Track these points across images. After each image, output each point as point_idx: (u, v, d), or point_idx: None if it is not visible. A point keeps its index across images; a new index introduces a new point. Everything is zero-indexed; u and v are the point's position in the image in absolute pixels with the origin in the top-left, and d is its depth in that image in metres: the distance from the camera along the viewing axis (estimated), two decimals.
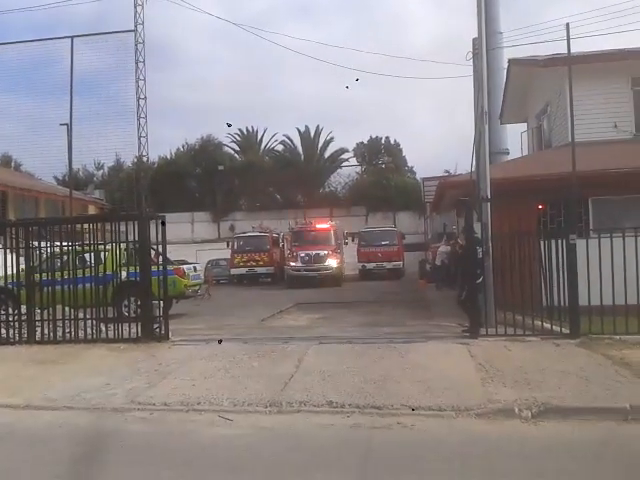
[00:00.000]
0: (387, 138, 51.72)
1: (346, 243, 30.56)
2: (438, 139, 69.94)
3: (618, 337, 9.23)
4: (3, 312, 11.57)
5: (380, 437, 5.71)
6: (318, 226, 29.70)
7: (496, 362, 8.10)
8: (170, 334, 10.86)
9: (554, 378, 7.20)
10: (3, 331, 11.20)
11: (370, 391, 6.93)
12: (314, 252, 26.70)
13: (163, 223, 10.79)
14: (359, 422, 6.07)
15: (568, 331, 9.67)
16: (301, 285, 25.11)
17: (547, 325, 10.00)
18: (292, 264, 27.07)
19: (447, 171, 38.45)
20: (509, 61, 18.35)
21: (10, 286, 11.88)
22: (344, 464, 5.03)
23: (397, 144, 51.92)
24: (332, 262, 26.72)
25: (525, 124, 21.26)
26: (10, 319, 11.36)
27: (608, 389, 6.69)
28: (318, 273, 26.29)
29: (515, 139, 22.21)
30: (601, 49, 15.54)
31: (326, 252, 26.87)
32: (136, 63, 27.61)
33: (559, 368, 7.69)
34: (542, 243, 10.37)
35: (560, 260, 9.89)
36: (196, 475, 4.93)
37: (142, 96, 27.88)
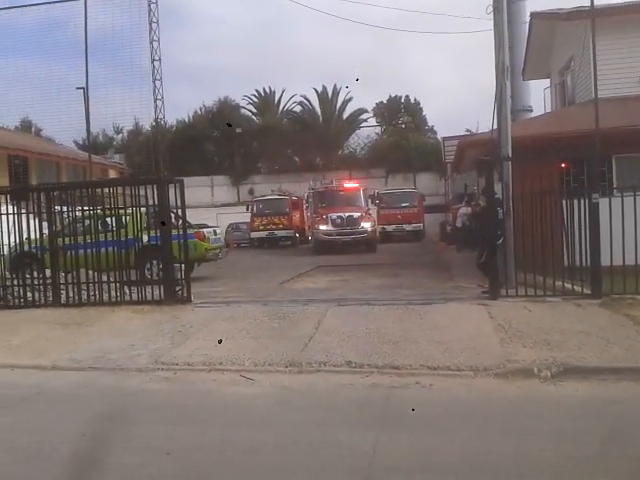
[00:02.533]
0: (407, 97, 51.06)
1: (375, 204, 28.55)
2: (459, 97, 68.76)
3: None
4: (28, 276, 11.79)
5: (398, 396, 5.77)
6: (347, 185, 27.35)
7: (515, 323, 8.09)
8: (192, 296, 11.01)
9: (574, 338, 7.18)
10: (29, 294, 11.44)
11: (389, 351, 7.00)
12: (347, 214, 24.05)
13: (182, 187, 10.83)
14: (378, 382, 6.15)
15: (590, 291, 9.59)
16: (332, 251, 22.91)
17: (568, 286, 9.92)
18: (322, 228, 24.19)
19: (468, 130, 37.85)
20: (531, 14, 17.81)
21: (34, 250, 12.08)
22: (363, 422, 5.11)
23: (417, 103, 51.21)
24: (366, 225, 24.18)
25: (548, 80, 20.73)
26: (36, 283, 11.61)
27: (628, 349, 6.66)
28: (352, 237, 23.85)
29: (538, 96, 21.78)
30: (626, 1, 14.96)
31: (360, 214, 24.27)
32: (150, 24, 27.20)
33: (579, 328, 7.66)
34: (564, 202, 10.21)
35: (582, 220, 9.75)
36: (219, 432, 5.05)
37: (157, 58, 27.53)
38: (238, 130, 43.41)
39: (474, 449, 4.48)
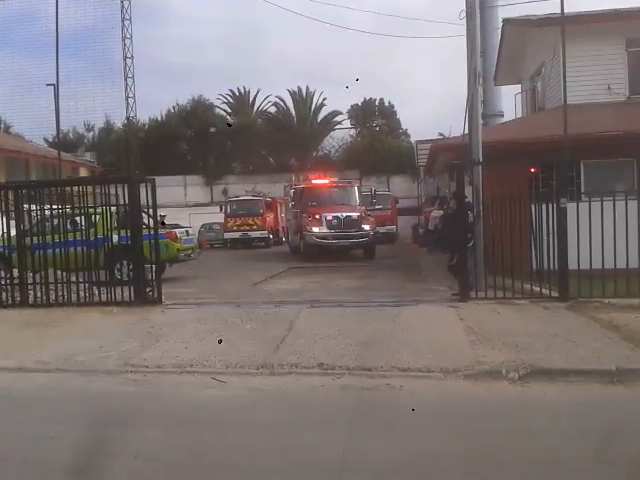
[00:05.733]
0: (381, 100, 51.47)
1: (372, 203, 24.95)
2: (433, 101, 69.45)
3: (607, 300, 9.33)
4: None
5: (369, 398, 5.81)
6: (340, 182, 24.33)
7: (485, 325, 8.20)
8: (163, 298, 10.92)
9: (542, 341, 7.30)
10: None
11: (360, 353, 7.02)
12: (345, 214, 20.95)
13: (153, 186, 10.73)
14: (349, 383, 6.16)
15: (557, 294, 9.77)
16: (326, 257, 20.24)
17: (537, 288, 10.09)
18: (314, 230, 20.74)
19: (441, 134, 38.31)
20: (503, 21, 18.06)
21: (1, 249, 11.84)
22: (333, 424, 5.11)
23: (391, 106, 51.70)
24: (367, 228, 21.06)
25: (519, 86, 21.06)
26: (3, 282, 11.37)
27: (595, 351, 6.80)
28: (350, 242, 20.84)
29: (510, 101, 22.04)
30: (597, 9, 15.32)
31: (359, 215, 21.23)
32: (122, 21, 27.05)
33: (547, 331, 7.80)
34: (533, 207, 10.39)
35: (551, 224, 9.93)
36: (188, 435, 5.00)
37: (129, 55, 27.37)
38: (212, 130, 43.19)
39: (443, 449, 4.53)
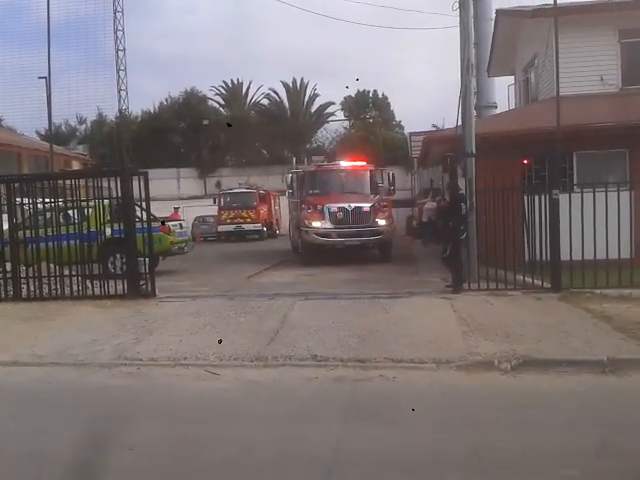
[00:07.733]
0: (375, 91, 51.21)
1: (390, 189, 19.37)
2: (427, 93, 69.31)
3: (599, 291, 9.39)
4: None
5: (363, 389, 5.84)
6: (349, 165, 19.18)
7: (478, 316, 8.24)
8: (157, 291, 10.90)
9: (534, 331, 7.36)
10: None
11: (354, 345, 7.06)
12: (353, 205, 16.69)
13: (146, 179, 10.69)
14: (343, 375, 6.20)
15: (550, 285, 9.82)
16: (329, 258, 16.83)
17: (529, 279, 10.14)
18: (315, 225, 16.62)
19: (435, 126, 38.27)
20: (496, 12, 18.05)
21: None
22: (327, 415, 5.14)
23: (385, 98, 51.44)
24: (381, 222, 16.85)
25: (513, 77, 21.06)
26: None
27: (587, 342, 6.84)
28: (360, 240, 16.64)
29: (503, 92, 22.05)
30: (590, 0, 15.31)
31: (371, 205, 16.90)
32: (114, 13, 26.83)
33: (539, 321, 7.85)
34: (526, 198, 10.42)
35: (543, 215, 9.97)
36: (183, 427, 5.02)
37: (121, 47, 27.19)
38: (205, 122, 43.00)
39: (436, 440, 4.56)
